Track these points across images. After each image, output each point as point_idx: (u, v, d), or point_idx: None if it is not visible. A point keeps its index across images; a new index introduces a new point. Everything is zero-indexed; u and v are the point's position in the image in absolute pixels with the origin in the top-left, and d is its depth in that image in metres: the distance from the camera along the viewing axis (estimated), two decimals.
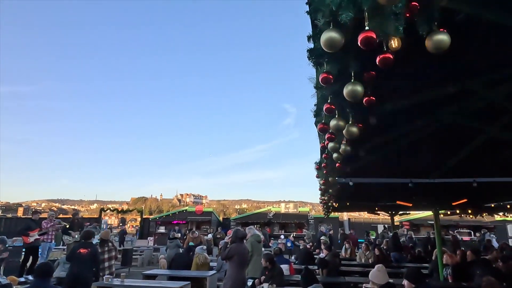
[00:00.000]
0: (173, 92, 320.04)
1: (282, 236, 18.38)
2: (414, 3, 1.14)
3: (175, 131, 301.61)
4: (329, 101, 1.64)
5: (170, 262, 7.89)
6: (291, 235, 18.62)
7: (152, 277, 7.64)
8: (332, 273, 7.72)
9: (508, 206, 9.69)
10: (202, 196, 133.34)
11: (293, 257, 11.96)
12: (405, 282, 3.64)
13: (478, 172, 5.28)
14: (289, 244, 17.04)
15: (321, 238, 16.35)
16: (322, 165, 3.33)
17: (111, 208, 26.52)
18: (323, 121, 1.85)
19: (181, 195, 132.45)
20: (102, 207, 27.51)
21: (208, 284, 7.23)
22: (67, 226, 10.16)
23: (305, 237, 18.03)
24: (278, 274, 6.13)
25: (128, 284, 6.28)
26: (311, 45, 1.38)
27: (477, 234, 19.53)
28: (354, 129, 1.77)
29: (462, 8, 1.51)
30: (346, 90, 1.42)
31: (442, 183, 5.53)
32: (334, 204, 8.65)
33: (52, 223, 9.03)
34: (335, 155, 2.67)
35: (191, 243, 11.34)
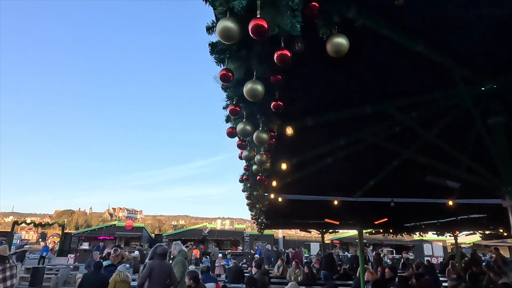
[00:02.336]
0: (109, 100, 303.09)
1: (220, 255, 16.91)
2: (314, 3, 1.10)
3: (110, 141, 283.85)
4: (234, 102, 1.56)
5: (81, 282, 7.13)
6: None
7: None
8: None
9: (423, 226, 10.54)
10: (137, 211, 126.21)
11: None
12: None
13: (395, 192, 5.62)
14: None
15: (255, 256, 16.22)
16: (244, 177, 3.25)
17: (27, 221, 23.71)
18: (232, 125, 1.76)
19: (114, 209, 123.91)
20: (16, 219, 24.48)
21: None
22: None
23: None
24: None
25: None
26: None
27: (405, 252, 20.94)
28: (264, 136, 1.70)
29: (366, 23, 1.54)
30: (246, 88, 1.34)
31: (364, 202, 5.79)
32: (265, 221, 8.62)
33: None
34: (254, 167, 2.59)
35: (108, 262, 10.44)
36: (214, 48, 1.32)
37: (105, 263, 9.34)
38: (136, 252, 13.28)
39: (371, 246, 20.79)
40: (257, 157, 2.14)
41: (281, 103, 1.56)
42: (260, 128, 1.71)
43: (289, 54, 1.14)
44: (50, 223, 26.41)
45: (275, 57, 1.16)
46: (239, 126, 1.63)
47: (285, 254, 17.82)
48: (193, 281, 5.84)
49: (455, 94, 3.07)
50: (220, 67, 1.37)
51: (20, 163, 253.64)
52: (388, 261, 17.80)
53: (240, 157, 2.27)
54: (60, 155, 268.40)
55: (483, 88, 3.06)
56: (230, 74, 1.31)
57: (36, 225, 25.00)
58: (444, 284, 8.50)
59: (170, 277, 5.69)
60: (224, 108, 1.68)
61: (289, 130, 2.28)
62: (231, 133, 1.73)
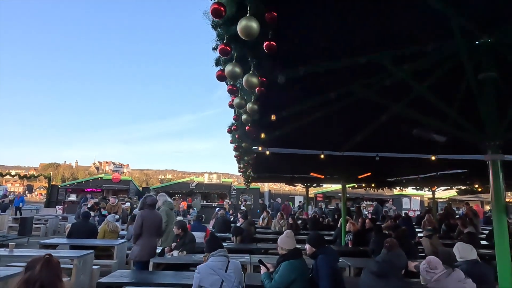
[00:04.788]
0: (96, 52, 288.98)
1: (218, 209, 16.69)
2: None
3: (95, 94, 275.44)
4: (224, 41, 1.46)
5: (70, 231, 7.27)
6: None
7: (52, 247, 6.94)
8: (246, 240, 7.93)
9: (404, 181, 10.95)
10: (123, 165, 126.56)
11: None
12: (307, 246, 3.81)
13: (381, 147, 5.72)
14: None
15: (241, 207, 16.65)
16: (233, 127, 3.20)
17: (12, 173, 23.51)
18: (221, 68, 1.68)
19: (100, 162, 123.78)
20: (0, 171, 24.24)
21: (116, 253, 6.85)
22: None
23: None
24: (190, 241, 6.04)
25: (18, 254, 5.59)
26: None
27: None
28: (254, 80, 1.62)
29: None
30: (240, 25, 1.25)
31: (350, 156, 5.89)
32: (252, 174, 8.76)
33: None
34: (244, 116, 2.53)
35: (104, 212, 10.67)
36: None
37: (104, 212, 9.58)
38: (127, 204, 13.56)
39: (391, 200, 21.87)
40: (249, 105, 2.08)
41: (274, 43, 1.47)
42: (250, 72, 1.64)
43: None
44: (36, 175, 26.28)
45: None
46: (228, 68, 1.54)
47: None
48: (181, 230, 6.02)
49: (450, 46, 3.02)
50: (211, 0, 1.26)
51: (3, 114, 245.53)
52: (366, 213, 18.82)
53: (231, 105, 2.20)
54: (44, 107, 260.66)
55: (477, 42, 3.01)
56: (222, 8, 1.21)
57: (21, 177, 24.88)
58: (419, 234, 9.03)
59: (161, 226, 5.84)
60: (214, 49, 1.58)
61: (281, 78, 2.21)
62: (221, 76, 1.65)
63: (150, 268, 5.28)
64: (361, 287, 3.21)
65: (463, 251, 3.81)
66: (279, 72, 2.19)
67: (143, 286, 4.30)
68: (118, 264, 6.63)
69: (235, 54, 1.55)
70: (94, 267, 5.83)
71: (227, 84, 1.91)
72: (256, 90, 1.81)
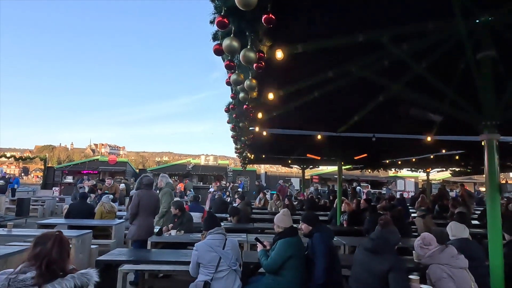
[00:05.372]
0: (91, 34, 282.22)
1: (211, 189, 16.23)
2: None
3: (90, 76, 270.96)
4: (222, 13, 1.43)
5: (68, 212, 7.31)
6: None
7: (50, 227, 6.99)
8: (242, 220, 8.03)
9: (399, 163, 11.05)
10: (119, 147, 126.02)
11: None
12: (303, 225, 3.86)
13: (377, 128, 5.73)
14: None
15: (238, 189, 16.81)
16: (231, 106, 3.18)
17: (7, 155, 23.38)
18: (219, 42, 1.65)
19: (96, 145, 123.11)
20: None
21: (114, 233, 6.91)
22: None
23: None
24: (188, 221, 6.11)
25: (16, 234, 5.63)
26: None
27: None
28: (252, 55, 1.60)
29: None
30: None
31: (346, 137, 5.90)
32: (249, 155, 8.78)
33: None
34: (241, 94, 2.51)
35: (106, 192, 10.69)
36: None
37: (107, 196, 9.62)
38: (123, 185, 13.55)
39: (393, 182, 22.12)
40: (246, 83, 2.06)
41: (273, 16, 1.44)
42: (248, 47, 1.61)
43: None
44: (31, 157, 26.17)
45: None
46: (225, 42, 1.52)
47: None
48: (179, 210, 6.08)
49: (450, 25, 2.98)
50: None
51: None
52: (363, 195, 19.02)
53: (228, 83, 2.18)
54: (39, 88, 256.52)
55: (477, 21, 2.97)
56: None
57: (17, 159, 24.81)
58: (413, 215, 9.18)
59: (157, 206, 5.88)
60: (211, 22, 1.55)
61: (279, 54, 2.18)
62: (218, 50, 1.62)
63: (148, 247, 5.36)
64: (356, 264, 3.28)
65: (455, 230, 3.88)
66: (277, 48, 2.15)
67: (142, 264, 4.36)
68: (116, 243, 6.70)
69: (232, 28, 1.52)
70: (92, 246, 5.89)
71: (223, 60, 1.88)
72: (254, 66, 1.79)
